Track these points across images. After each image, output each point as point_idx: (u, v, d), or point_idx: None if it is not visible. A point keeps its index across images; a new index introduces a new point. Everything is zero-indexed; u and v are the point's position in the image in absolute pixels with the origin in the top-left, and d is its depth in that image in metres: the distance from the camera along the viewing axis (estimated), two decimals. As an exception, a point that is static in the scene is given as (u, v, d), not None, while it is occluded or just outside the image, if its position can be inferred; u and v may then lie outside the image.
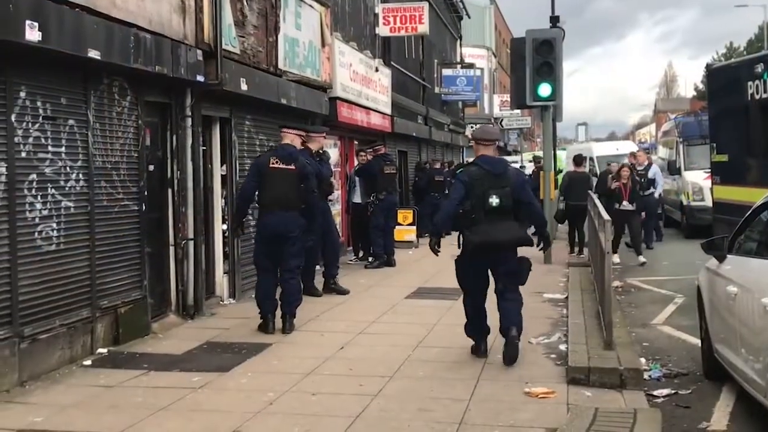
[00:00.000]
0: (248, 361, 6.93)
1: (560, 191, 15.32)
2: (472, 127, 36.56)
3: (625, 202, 14.03)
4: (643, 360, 6.92)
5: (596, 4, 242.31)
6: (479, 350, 7.10)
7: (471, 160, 7.25)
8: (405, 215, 16.94)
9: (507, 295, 6.89)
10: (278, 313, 8.11)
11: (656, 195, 16.76)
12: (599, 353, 6.62)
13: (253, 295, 10.28)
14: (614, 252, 13.92)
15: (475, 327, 7.13)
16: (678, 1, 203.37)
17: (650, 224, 15.91)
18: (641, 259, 13.88)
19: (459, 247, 6.94)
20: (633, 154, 17.92)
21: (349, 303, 9.40)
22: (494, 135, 7.21)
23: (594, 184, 15.30)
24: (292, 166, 8.04)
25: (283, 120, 11.59)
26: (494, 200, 6.80)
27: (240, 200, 7.96)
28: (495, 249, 6.82)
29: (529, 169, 18.93)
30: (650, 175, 16.58)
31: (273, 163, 7.91)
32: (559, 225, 17.12)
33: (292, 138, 8.28)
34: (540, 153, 30.80)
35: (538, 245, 7.21)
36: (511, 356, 6.69)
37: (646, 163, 16.96)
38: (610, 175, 14.52)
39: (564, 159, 28.81)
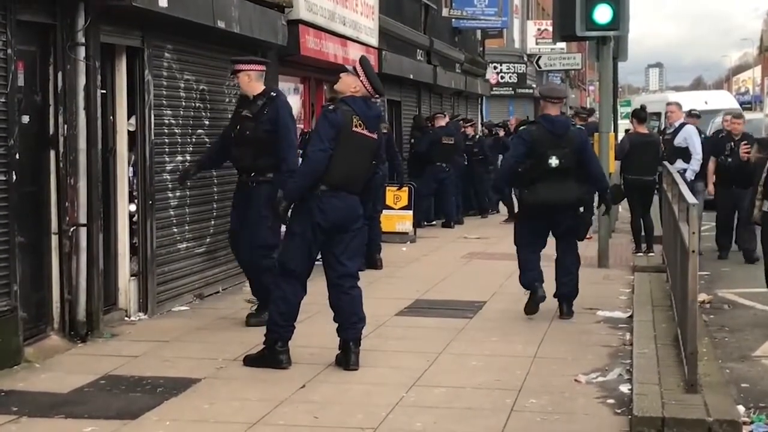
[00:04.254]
0: (166, 403, 6.91)
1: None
2: (495, 68, 36.69)
3: None
4: (741, 408, 6.93)
5: None
6: (536, 297, 9.95)
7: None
8: (397, 195, 16.94)
9: (567, 253, 10.18)
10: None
11: (689, 174, 14.73)
12: (678, 398, 6.64)
13: (172, 308, 10.28)
14: None
15: (531, 275, 9.99)
16: None
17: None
18: None
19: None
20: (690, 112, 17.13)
21: (315, 321, 9.38)
22: (562, 93, 10.69)
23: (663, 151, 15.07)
24: (375, 135, 7.99)
25: (219, 52, 11.56)
26: (553, 161, 9.65)
27: (308, 177, 7.76)
28: (553, 210, 9.83)
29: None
30: (678, 141, 15.31)
31: (356, 126, 7.81)
32: (619, 210, 17.13)
33: (354, 84, 7.98)
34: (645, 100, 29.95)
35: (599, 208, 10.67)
36: (568, 313, 10.11)
37: (677, 123, 15.93)
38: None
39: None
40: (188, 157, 10.88)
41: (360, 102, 7.91)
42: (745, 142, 10.63)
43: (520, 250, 10.17)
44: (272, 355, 7.90)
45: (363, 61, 8.21)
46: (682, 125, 15.51)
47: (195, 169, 10.19)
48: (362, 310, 8.02)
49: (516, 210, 10.52)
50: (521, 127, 10.44)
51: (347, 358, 7.89)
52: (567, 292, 10.10)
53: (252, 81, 9.37)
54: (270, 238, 9.30)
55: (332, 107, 7.90)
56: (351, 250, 7.97)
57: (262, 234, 9.29)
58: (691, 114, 17.22)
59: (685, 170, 14.76)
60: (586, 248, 15.41)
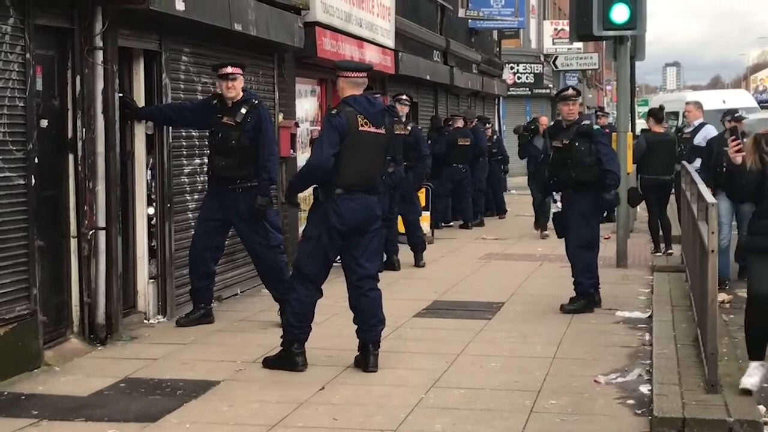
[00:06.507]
0: (186, 406, 6.94)
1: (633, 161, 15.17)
2: (512, 68, 36.60)
3: None
4: (762, 408, 6.91)
5: None
6: (594, 301, 10.53)
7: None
8: (414, 196, 16.91)
9: None
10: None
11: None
12: (698, 398, 6.65)
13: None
14: None
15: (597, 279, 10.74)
16: None
17: None
18: None
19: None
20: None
21: (333, 323, 9.40)
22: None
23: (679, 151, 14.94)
24: (382, 130, 8.03)
25: (236, 54, 11.58)
26: None
27: (312, 177, 7.91)
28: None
29: None
30: (698, 140, 15.05)
31: (362, 125, 7.85)
32: (637, 210, 17.04)
33: (345, 84, 8.04)
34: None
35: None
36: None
37: (697, 122, 15.75)
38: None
39: None
40: (206, 160, 10.88)
41: (362, 100, 7.97)
42: (734, 137, 8.38)
43: (595, 253, 10.69)
44: (289, 357, 7.92)
45: (337, 64, 8.52)
46: (702, 124, 15.47)
47: (137, 111, 9.70)
48: (382, 311, 8.04)
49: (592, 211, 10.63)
50: (598, 128, 10.79)
51: (366, 360, 7.90)
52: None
53: (241, 86, 9.47)
54: (275, 237, 9.54)
55: (335, 111, 7.96)
56: (370, 252, 7.99)
57: (270, 235, 9.50)
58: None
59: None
60: (605, 249, 15.41)
